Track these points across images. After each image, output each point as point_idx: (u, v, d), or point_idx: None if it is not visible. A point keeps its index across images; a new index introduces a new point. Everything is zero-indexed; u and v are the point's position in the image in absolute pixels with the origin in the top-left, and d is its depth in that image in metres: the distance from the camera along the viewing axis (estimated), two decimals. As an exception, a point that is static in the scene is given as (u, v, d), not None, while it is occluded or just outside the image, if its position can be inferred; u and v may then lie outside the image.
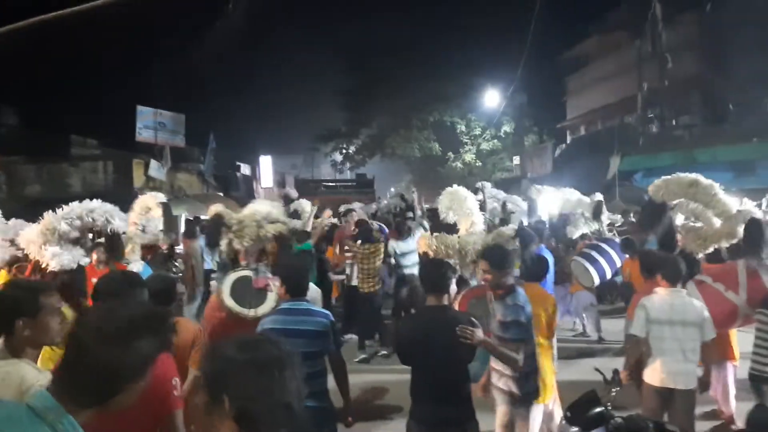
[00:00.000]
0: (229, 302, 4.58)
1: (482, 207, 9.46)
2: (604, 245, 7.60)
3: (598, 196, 9.29)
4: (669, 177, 6.51)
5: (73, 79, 29.37)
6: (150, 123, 22.37)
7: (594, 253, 7.42)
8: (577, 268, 7.62)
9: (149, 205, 7.17)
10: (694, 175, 6.39)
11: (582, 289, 8.68)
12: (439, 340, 3.60)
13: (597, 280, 7.51)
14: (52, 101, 26.86)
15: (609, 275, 7.70)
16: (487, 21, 29.54)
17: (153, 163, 21.04)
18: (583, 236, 9.56)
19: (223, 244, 5.99)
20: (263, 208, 6.72)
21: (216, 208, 6.42)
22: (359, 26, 39.25)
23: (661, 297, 4.66)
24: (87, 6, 9.13)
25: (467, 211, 5.67)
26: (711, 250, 6.22)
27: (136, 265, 6.07)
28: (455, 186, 6.36)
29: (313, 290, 4.97)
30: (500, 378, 4.22)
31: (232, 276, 4.87)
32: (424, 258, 6.60)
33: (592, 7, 26.73)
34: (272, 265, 5.73)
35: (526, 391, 4.18)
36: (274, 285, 4.89)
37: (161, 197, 7.42)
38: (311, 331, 3.83)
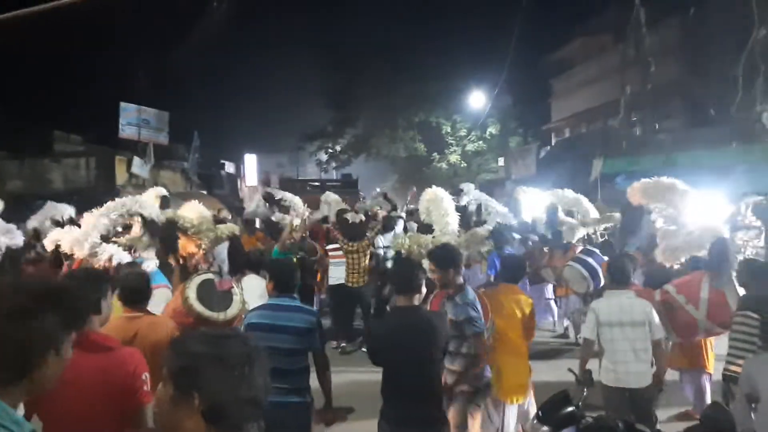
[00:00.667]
0: (198, 307, 4.55)
1: (464, 208, 9.52)
2: (598, 251, 7.63)
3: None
4: (647, 180, 6.57)
5: (56, 74, 29.08)
6: (133, 120, 22.26)
7: (590, 260, 7.44)
8: (572, 274, 7.62)
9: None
10: (671, 180, 6.45)
11: (572, 293, 8.71)
12: (411, 340, 3.61)
13: (592, 287, 7.54)
14: (35, 96, 26.58)
15: (602, 282, 7.75)
16: (474, 22, 29.71)
17: (136, 160, 20.95)
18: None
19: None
20: (202, 209, 6.68)
21: (166, 214, 6.33)
22: (345, 25, 39.21)
23: (609, 299, 4.78)
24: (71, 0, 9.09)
25: (442, 212, 5.70)
26: (682, 260, 6.30)
27: (150, 264, 6.05)
28: (434, 187, 6.41)
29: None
30: (452, 376, 4.26)
31: (196, 279, 4.85)
32: (396, 258, 6.66)
33: (577, 10, 26.93)
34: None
35: (479, 386, 4.21)
36: (237, 287, 4.91)
37: (162, 191, 7.32)
38: (297, 327, 3.85)
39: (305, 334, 3.85)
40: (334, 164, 34.54)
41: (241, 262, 5.62)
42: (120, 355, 2.67)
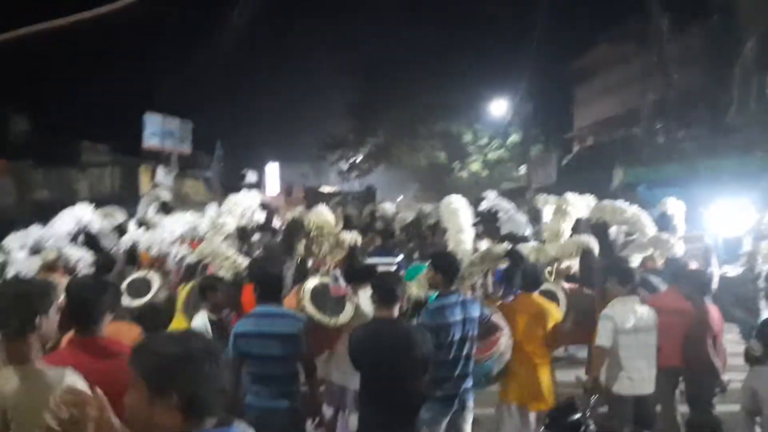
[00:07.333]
0: (310, 309, 4.62)
1: (486, 215, 9.42)
2: None
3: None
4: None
5: (83, 85, 29.65)
6: (158, 130, 22.67)
7: None
8: None
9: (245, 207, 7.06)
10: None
11: None
12: (386, 352, 3.65)
13: None
14: (62, 107, 27.11)
15: None
16: (495, 30, 29.63)
17: (160, 169, 21.31)
18: None
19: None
20: (327, 215, 6.65)
21: (295, 212, 6.38)
22: (366, 35, 39.31)
23: (622, 305, 4.67)
24: (97, 12, 9.30)
25: (457, 227, 5.67)
26: None
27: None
28: (453, 196, 6.38)
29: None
30: None
31: (312, 282, 4.88)
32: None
33: (600, 18, 26.72)
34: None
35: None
36: (352, 294, 4.95)
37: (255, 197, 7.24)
38: (284, 334, 3.89)
39: (292, 340, 3.90)
40: (355, 173, 34.69)
41: (354, 274, 5.54)
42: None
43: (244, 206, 6.83)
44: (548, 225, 6.50)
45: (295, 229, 5.85)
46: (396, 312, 3.78)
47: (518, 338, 4.69)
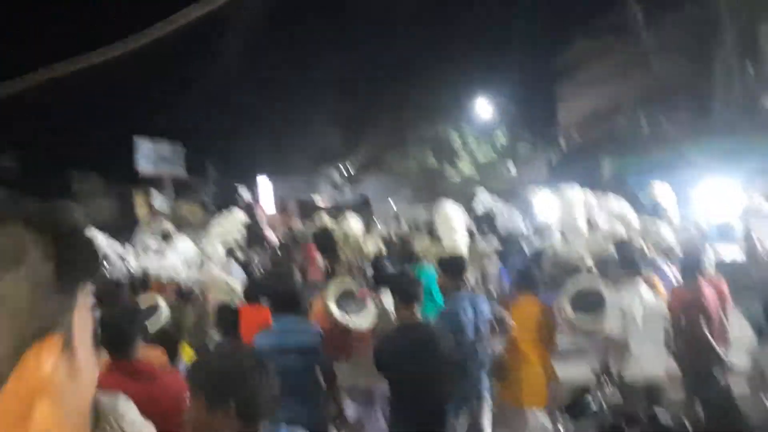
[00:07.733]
0: (335, 311, 4.74)
1: (487, 220, 9.60)
2: None
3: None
4: None
5: (69, 114, 29.54)
6: (150, 155, 22.73)
7: None
8: None
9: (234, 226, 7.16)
10: None
11: None
12: (411, 358, 3.75)
13: None
14: (49, 138, 26.99)
15: None
16: (474, 31, 29.87)
17: (155, 194, 21.39)
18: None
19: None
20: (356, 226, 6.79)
21: (324, 220, 6.57)
22: (352, 43, 39.34)
23: (628, 292, 4.75)
24: (86, 65, 9.46)
25: (450, 230, 5.85)
26: None
27: None
28: (444, 202, 6.55)
29: None
30: None
31: (337, 285, 5.00)
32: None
33: (577, 13, 26.98)
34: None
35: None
36: (378, 300, 5.09)
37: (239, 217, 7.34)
38: (303, 345, 4.00)
39: (311, 351, 4.01)
40: (348, 184, 34.82)
41: (378, 278, 5.62)
42: (163, 382, 2.91)
43: (226, 228, 7.03)
44: (564, 222, 6.57)
45: (329, 235, 6.04)
46: (417, 312, 3.89)
47: (513, 337, 4.79)
